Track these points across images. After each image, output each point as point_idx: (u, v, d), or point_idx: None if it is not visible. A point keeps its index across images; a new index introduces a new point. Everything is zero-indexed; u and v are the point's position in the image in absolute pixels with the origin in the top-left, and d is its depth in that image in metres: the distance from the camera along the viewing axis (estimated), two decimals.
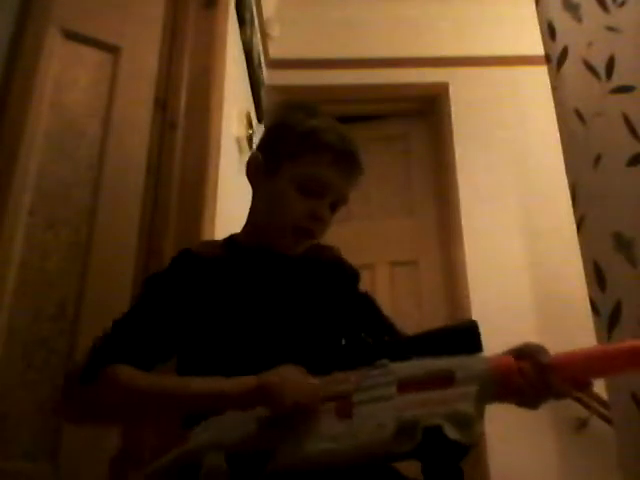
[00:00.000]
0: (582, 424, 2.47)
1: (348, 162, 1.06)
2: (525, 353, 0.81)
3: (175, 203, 1.69)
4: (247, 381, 0.84)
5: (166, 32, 1.81)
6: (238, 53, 2.41)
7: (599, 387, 1.55)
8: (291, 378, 0.82)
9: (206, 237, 1.70)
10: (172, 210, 1.68)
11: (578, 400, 2.44)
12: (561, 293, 2.66)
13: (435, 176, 3.13)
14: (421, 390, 0.75)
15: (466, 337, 0.83)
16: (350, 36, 3.27)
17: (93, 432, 1.35)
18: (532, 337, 2.80)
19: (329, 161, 1.04)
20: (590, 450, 2.45)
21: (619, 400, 1.43)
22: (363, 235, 3.07)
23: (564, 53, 1.70)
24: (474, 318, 2.98)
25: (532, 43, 2.21)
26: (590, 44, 1.69)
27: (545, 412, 2.55)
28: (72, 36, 1.56)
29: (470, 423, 0.70)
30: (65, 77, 1.54)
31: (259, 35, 2.94)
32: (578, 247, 1.59)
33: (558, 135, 1.70)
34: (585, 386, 0.79)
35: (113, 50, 1.64)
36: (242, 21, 2.39)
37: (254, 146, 2.54)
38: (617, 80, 1.63)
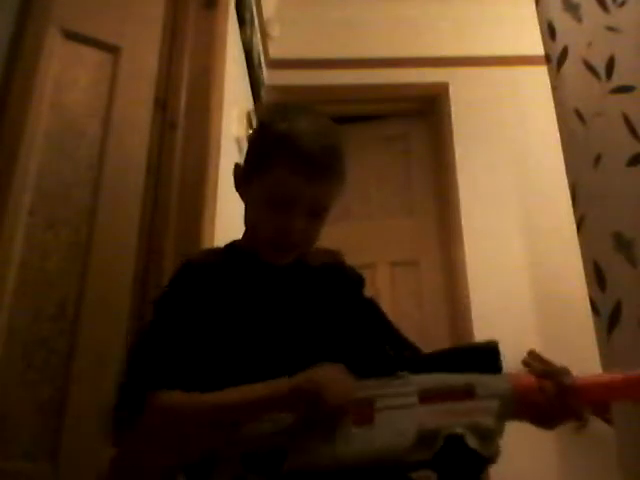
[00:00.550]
0: (582, 424, 2.47)
1: (315, 168, 0.97)
2: (548, 373, 0.81)
3: (175, 203, 1.69)
4: (291, 382, 0.81)
5: (166, 32, 1.81)
6: (238, 53, 2.41)
7: None
8: (334, 378, 0.81)
9: (206, 237, 1.70)
10: (172, 210, 1.68)
11: None
12: (561, 293, 2.66)
13: (435, 176, 3.13)
14: (442, 402, 0.76)
15: (487, 357, 0.82)
16: (350, 36, 3.27)
17: (93, 432, 1.35)
18: (532, 337, 2.83)
19: (292, 170, 0.96)
20: (590, 450, 2.44)
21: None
22: (363, 235, 3.07)
23: (564, 53, 1.70)
24: (474, 318, 2.97)
25: (532, 43, 2.21)
26: (590, 44, 1.69)
27: None
28: (72, 36, 1.56)
29: (491, 436, 0.71)
30: (65, 77, 1.54)
31: (259, 35, 2.94)
32: (578, 247, 1.59)
33: (558, 135, 1.70)
34: (604, 411, 0.79)
35: (113, 50, 1.64)
36: (242, 21, 2.39)
37: None
38: (617, 80, 1.63)
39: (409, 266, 3.02)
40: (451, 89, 3.18)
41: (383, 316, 1.15)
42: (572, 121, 1.64)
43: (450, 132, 3.09)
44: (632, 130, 1.58)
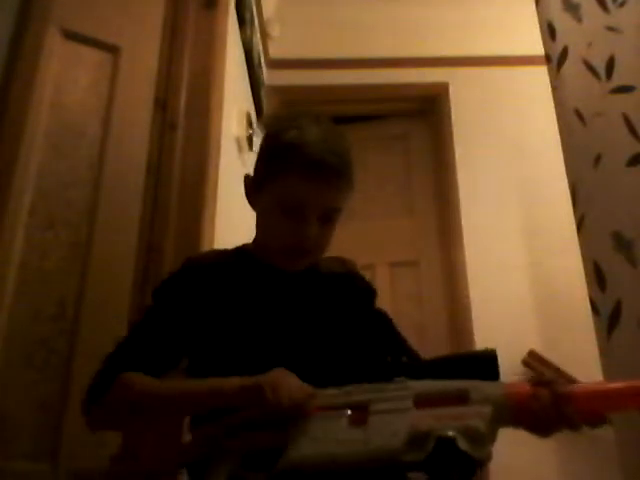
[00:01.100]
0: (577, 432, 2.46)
1: (326, 173, 0.98)
2: (543, 381, 0.81)
3: (175, 203, 1.69)
4: (244, 380, 0.85)
5: (166, 32, 1.81)
6: (238, 53, 2.41)
7: None
8: (285, 379, 0.84)
9: (206, 237, 1.70)
10: (172, 210, 1.68)
11: None
12: (561, 293, 2.66)
13: (435, 176, 3.13)
14: (436, 406, 0.77)
15: (485, 365, 0.84)
16: (350, 36, 3.27)
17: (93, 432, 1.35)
18: (532, 337, 2.83)
19: (303, 177, 0.98)
20: (590, 450, 2.44)
21: None
22: (363, 235, 3.07)
23: (564, 53, 1.70)
24: (474, 318, 2.97)
25: (532, 43, 2.21)
26: (590, 44, 1.69)
27: None
28: (72, 36, 1.56)
29: (482, 440, 0.72)
30: (65, 77, 1.54)
31: (259, 35, 2.94)
32: (578, 247, 1.59)
33: (558, 135, 1.70)
34: (599, 421, 0.79)
35: (113, 50, 1.64)
36: (242, 21, 2.39)
37: (254, 147, 2.54)
38: (617, 80, 1.63)
39: (409, 266, 3.02)
40: (451, 89, 3.18)
41: (393, 329, 1.16)
42: (572, 121, 1.64)
43: (450, 132, 3.09)
44: (632, 130, 1.58)
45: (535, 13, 1.85)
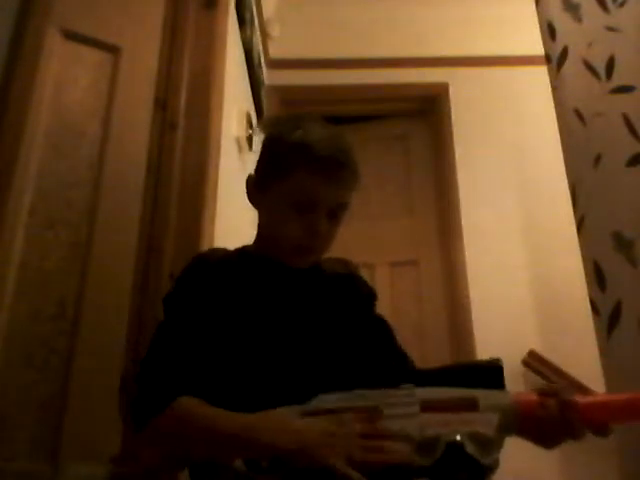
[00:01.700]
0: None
1: (334, 169, 1.02)
2: (551, 390, 0.82)
3: (175, 203, 1.69)
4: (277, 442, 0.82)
5: (166, 32, 1.81)
6: (238, 53, 2.41)
7: (599, 387, 1.55)
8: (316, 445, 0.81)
9: (206, 237, 1.70)
10: (172, 210, 1.68)
11: None
12: (561, 293, 2.66)
13: (435, 176, 3.13)
14: (444, 412, 0.78)
15: (490, 375, 0.84)
16: (350, 36, 3.27)
17: (93, 432, 1.35)
18: (532, 337, 2.83)
19: (313, 173, 1.00)
20: (590, 450, 2.44)
21: None
22: (363, 235, 3.07)
23: (564, 53, 1.70)
24: (474, 318, 2.97)
25: (532, 43, 2.21)
26: (590, 44, 1.70)
27: None
28: (72, 36, 1.56)
29: (490, 446, 0.73)
30: (65, 77, 1.54)
31: (259, 35, 2.94)
32: (578, 247, 1.59)
33: (558, 135, 1.70)
34: (604, 431, 0.79)
35: (113, 50, 1.64)
36: (242, 21, 2.39)
37: (254, 147, 2.54)
38: (617, 80, 1.63)
39: (409, 266, 3.02)
40: (451, 89, 3.19)
41: (391, 337, 1.15)
42: (572, 121, 1.64)
43: (450, 132, 3.09)
44: (632, 130, 1.58)
45: (535, 13, 1.85)
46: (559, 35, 1.73)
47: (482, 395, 0.79)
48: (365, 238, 3.06)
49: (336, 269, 1.15)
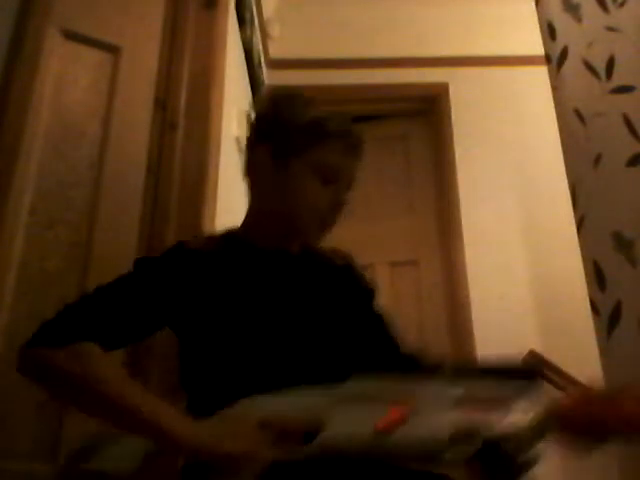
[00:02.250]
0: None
1: (353, 144, 1.09)
2: (587, 390, 0.82)
3: (175, 203, 1.69)
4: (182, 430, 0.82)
5: (166, 32, 1.81)
6: (238, 53, 2.41)
7: (599, 387, 1.55)
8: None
9: None
10: (172, 210, 1.68)
11: None
12: (561, 293, 2.66)
13: (435, 176, 3.13)
14: (480, 407, 0.77)
15: (525, 378, 0.84)
16: (350, 36, 3.26)
17: (93, 432, 1.35)
18: (532, 337, 2.83)
19: (337, 147, 1.06)
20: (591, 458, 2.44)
21: None
22: (363, 235, 3.07)
23: (564, 53, 1.70)
24: (474, 318, 2.96)
25: (532, 43, 2.21)
26: (590, 44, 1.70)
27: None
28: (72, 36, 1.56)
29: (527, 442, 0.72)
30: (65, 77, 1.54)
31: (259, 35, 2.94)
32: (578, 247, 1.59)
33: (558, 135, 1.70)
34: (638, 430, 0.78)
35: (113, 50, 1.64)
36: (242, 21, 2.39)
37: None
38: (617, 80, 1.63)
39: (409, 266, 3.02)
40: (451, 89, 3.18)
41: (390, 329, 1.15)
42: (572, 121, 1.64)
43: (450, 132, 3.09)
44: (632, 130, 1.58)
45: (535, 13, 1.85)
46: (559, 35, 1.73)
47: (519, 392, 0.78)
48: (365, 238, 3.06)
49: (334, 258, 1.15)
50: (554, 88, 1.73)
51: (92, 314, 0.93)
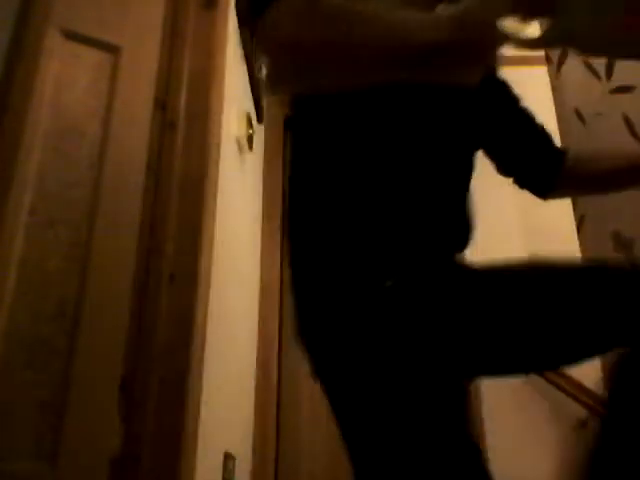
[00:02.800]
0: (582, 424, 2.47)
1: None
2: None
3: (175, 203, 1.69)
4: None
5: (166, 32, 1.81)
6: (238, 53, 2.41)
7: (599, 387, 1.55)
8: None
9: (206, 237, 1.70)
10: (172, 210, 1.68)
11: (578, 400, 2.44)
12: None
13: None
14: None
15: None
16: None
17: (93, 432, 1.35)
18: None
19: None
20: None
21: None
22: None
23: (564, 53, 1.70)
24: None
25: None
26: None
27: (545, 412, 2.55)
28: (72, 36, 1.56)
29: None
30: (65, 77, 1.54)
31: None
32: (578, 247, 1.60)
33: (558, 135, 1.70)
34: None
35: (113, 50, 1.64)
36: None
37: (254, 147, 2.54)
38: (617, 80, 1.63)
39: None
40: None
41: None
42: (572, 121, 1.64)
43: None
44: (632, 130, 1.59)
45: None
46: None
47: None
48: None
49: None
50: (554, 88, 1.73)
51: None
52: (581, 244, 1.60)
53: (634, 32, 0.65)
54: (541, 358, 0.82)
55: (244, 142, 2.34)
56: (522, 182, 1.26)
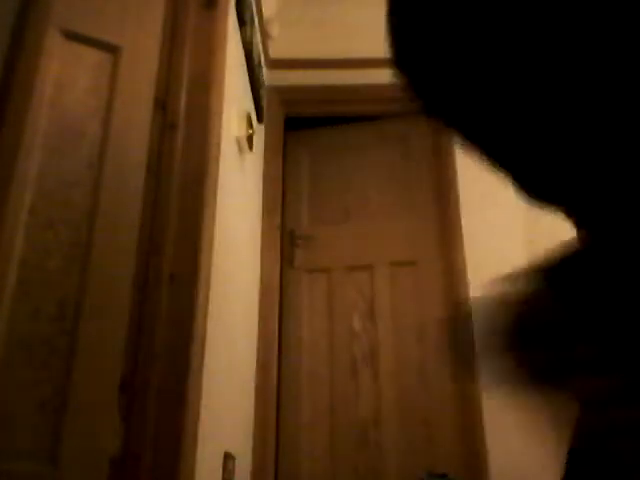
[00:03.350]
0: None
1: None
2: None
3: (175, 203, 1.69)
4: None
5: (166, 32, 1.82)
6: (238, 53, 2.41)
7: None
8: None
9: (206, 237, 1.70)
10: (172, 210, 1.68)
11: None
12: None
13: (435, 176, 3.13)
14: None
15: None
16: (350, 36, 3.27)
17: (93, 432, 1.35)
18: None
19: None
20: None
21: None
22: (363, 235, 3.07)
23: None
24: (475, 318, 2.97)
25: None
26: None
27: (545, 412, 2.55)
28: (72, 36, 1.56)
29: None
30: (65, 77, 1.54)
31: (259, 35, 2.94)
32: None
33: None
34: None
35: (113, 50, 1.64)
36: (242, 21, 2.39)
37: (254, 148, 2.54)
38: None
39: (408, 266, 3.02)
40: None
41: None
42: None
43: (450, 132, 3.09)
44: None
45: None
46: None
47: None
48: (365, 238, 3.06)
49: None
50: None
51: None
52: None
53: None
54: None
55: (244, 142, 2.34)
56: None
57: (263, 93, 2.89)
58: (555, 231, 2.81)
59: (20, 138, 1.40)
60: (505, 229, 2.91)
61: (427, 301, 2.92)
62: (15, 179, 1.38)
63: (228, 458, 1.93)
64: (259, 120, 2.83)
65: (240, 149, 2.33)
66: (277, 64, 3.20)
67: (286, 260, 3.06)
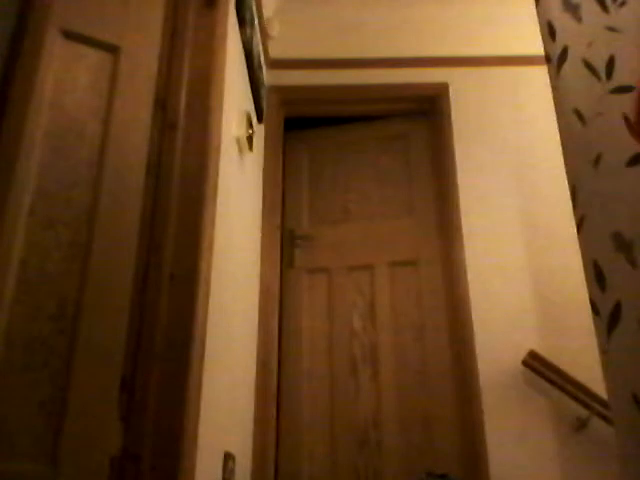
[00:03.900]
0: (582, 424, 2.47)
1: None
2: None
3: (175, 203, 1.69)
4: None
5: (166, 32, 1.82)
6: (238, 53, 2.41)
7: (599, 387, 1.55)
8: None
9: (206, 237, 1.70)
10: (172, 210, 1.68)
11: (578, 400, 2.44)
12: (561, 293, 2.66)
13: (435, 176, 3.13)
14: None
15: None
16: (350, 36, 3.27)
17: (93, 432, 1.35)
18: (532, 337, 2.85)
19: None
20: (590, 450, 2.44)
21: (619, 400, 1.43)
22: (363, 235, 3.07)
23: (564, 53, 1.70)
24: (474, 318, 2.98)
25: (532, 43, 2.21)
26: (590, 44, 1.69)
27: (545, 412, 2.55)
28: (72, 36, 1.57)
29: None
30: (65, 77, 1.54)
31: (259, 35, 2.94)
32: (578, 247, 1.59)
33: (558, 135, 1.70)
34: None
35: (113, 50, 1.64)
36: (242, 21, 2.39)
37: (254, 148, 2.54)
38: (617, 80, 1.63)
39: (408, 266, 3.02)
40: (451, 89, 3.19)
41: None
42: (572, 121, 1.64)
43: (450, 132, 3.09)
44: (632, 130, 1.58)
45: (535, 13, 1.85)
46: (559, 35, 1.73)
47: None
48: (365, 238, 3.06)
49: None
50: (554, 88, 1.73)
51: None
52: (581, 244, 1.60)
53: None
54: None
55: (244, 142, 2.34)
56: None
57: (263, 93, 2.89)
58: (554, 231, 2.81)
59: (20, 138, 1.40)
60: (505, 228, 2.91)
61: (427, 301, 2.92)
62: (15, 179, 1.38)
63: (228, 458, 1.93)
64: (259, 120, 2.83)
65: (240, 149, 2.33)
66: (277, 64, 3.20)
67: (286, 260, 3.06)
